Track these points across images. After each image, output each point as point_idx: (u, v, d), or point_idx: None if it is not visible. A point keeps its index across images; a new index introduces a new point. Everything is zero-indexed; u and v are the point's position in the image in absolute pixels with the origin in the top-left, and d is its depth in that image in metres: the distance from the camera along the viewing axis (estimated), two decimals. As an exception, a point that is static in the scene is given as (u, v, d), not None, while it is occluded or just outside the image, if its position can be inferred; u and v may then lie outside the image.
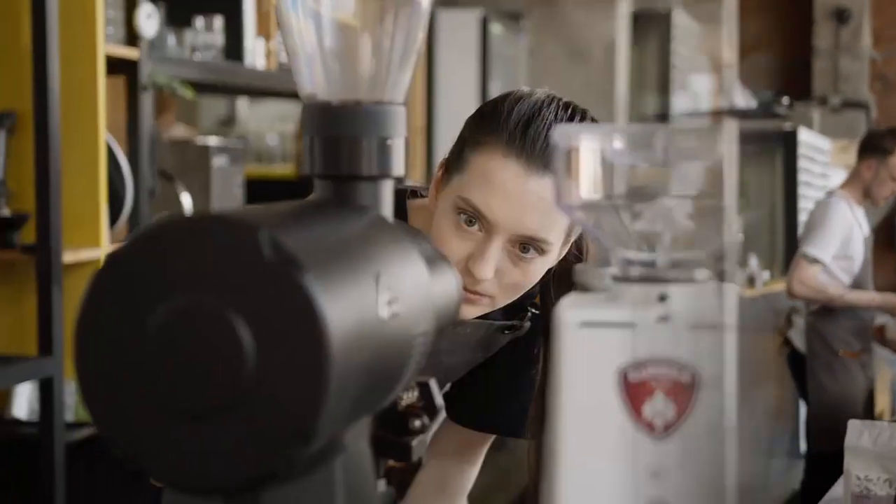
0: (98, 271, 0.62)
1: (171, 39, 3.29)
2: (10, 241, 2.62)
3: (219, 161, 3.33)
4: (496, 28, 6.47)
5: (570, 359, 0.67)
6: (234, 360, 0.60)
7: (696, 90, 6.48)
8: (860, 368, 4.43)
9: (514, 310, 1.42)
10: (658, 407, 0.66)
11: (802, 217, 7.33)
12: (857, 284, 4.37)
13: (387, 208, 0.80)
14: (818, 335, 4.47)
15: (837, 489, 2.12)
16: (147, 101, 3.00)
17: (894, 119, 9.37)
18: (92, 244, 2.73)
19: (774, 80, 6.83)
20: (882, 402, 6.21)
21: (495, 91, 6.46)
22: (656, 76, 7.57)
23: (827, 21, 9.03)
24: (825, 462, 4.12)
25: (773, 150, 7.41)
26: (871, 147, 4.28)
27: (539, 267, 1.30)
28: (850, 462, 1.88)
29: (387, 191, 0.80)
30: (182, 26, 3.37)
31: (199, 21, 3.38)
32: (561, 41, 6.54)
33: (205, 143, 3.40)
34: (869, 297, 4.39)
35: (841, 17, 9.02)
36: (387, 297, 0.69)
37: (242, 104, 6.27)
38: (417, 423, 0.80)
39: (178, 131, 4.32)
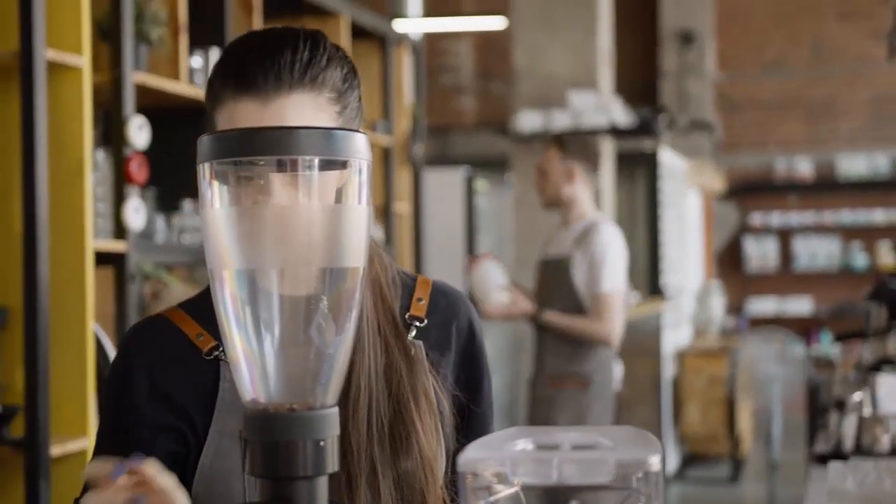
0: None
1: (161, 223, 3.40)
2: (1, 435, 2.68)
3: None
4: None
5: None
6: None
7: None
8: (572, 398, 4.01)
9: None
10: None
11: (665, 236, 7.39)
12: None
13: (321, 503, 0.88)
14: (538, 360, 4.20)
15: None
16: (134, 291, 3.09)
17: (737, 139, 9.50)
18: (79, 434, 2.79)
19: (624, 98, 6.85)
20: None
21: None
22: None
23: (672, 42, 9.27)
24: None
25: (634, 171, 7.48)
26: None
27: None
28: None
29: (321, 487, 0.88)
30: (171, 210, 3.48)
31: (188, 204, 3.49)
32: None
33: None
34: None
35: (686, 38, 9.22)
36: None
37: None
38: None
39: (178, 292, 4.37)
